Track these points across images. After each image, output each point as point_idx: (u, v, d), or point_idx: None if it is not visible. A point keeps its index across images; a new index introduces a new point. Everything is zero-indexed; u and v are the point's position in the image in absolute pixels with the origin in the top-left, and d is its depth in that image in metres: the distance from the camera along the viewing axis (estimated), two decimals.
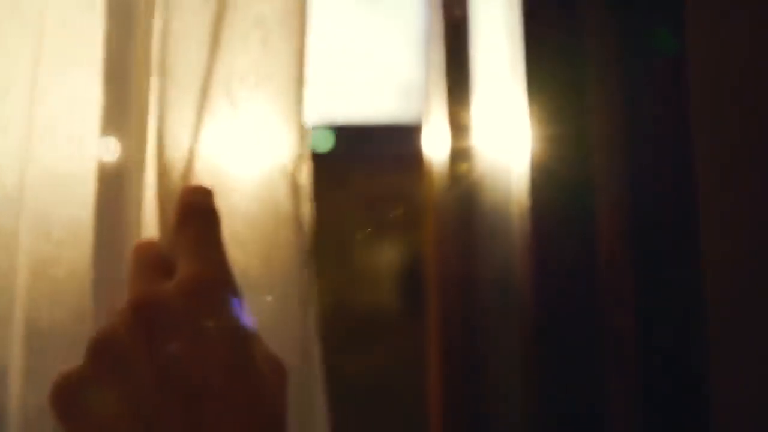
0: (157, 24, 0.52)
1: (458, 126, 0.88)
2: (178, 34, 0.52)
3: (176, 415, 0.44)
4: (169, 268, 0.50)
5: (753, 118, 0.56)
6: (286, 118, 0.57)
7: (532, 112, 0.61)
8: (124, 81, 0.53)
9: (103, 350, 0.46)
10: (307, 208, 0.58)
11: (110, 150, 0.53)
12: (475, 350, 0.86)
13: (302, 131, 0.57)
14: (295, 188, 0.57)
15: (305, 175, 0.58)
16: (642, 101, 0.57)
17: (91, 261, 0.52)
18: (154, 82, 0.52)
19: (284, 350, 0.52)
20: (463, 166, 0.86)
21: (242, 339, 0.47)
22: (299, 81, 0.57)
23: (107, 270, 0.52)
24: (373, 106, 1.70)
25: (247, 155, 0.56)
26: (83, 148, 0.53)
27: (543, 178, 0.61)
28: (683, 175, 0.57)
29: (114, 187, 0.52)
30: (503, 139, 0.73)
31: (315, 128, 1.68)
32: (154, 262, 0.51)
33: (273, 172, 0.56)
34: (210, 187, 0.53)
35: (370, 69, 1.65)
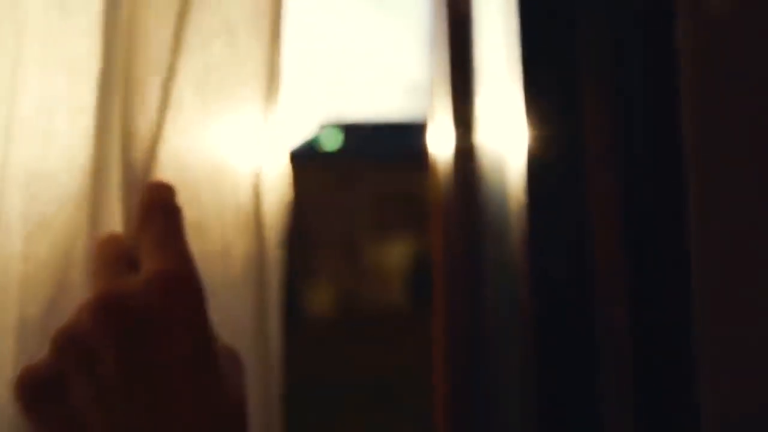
0: (124, 22, 0.52)
1: (462, 124, 0.89)
2: (143, 32, 0.52)
3: (142, 408, 0.44)
4: (133, 263, 0.50)
5: (741, 117, 0.56)
6: (253, 117, 0.58)
7: (528, 110, 0.62)
8: (102, 80, 0.53)
9: (70, 344, 0.46)
10: (275, 206, 0.58)
11: (88, 147, 0.53)
12: (481, 344, 0.86)
13: (272, 130, 0.58)
14: (257, 186, 0.57)
15: (275, 174, 0.58)
16: (634, 99, 0.57)
17: (64, 255, 0.52)
18: (119, 79, 0.52)
19: (237, 342, 0.52)
20: (467, 164, 0.87)
21: (206, 333, 0.47)
22: (270, 84, 0.58)
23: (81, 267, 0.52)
24: (381, 104, 1.71)
25: (211, 153, 0.56)
26: (56, 145, 0.53)
27: (539, 175, 0.62)
28: (674, 172, 0.57)
29: (91, 184, 0.53)
30: (502, 136, 0.73)
31: (323, 127, 1.69)
32: (118, 256, 0.50)
33: (235, 171, 0.57)
34: (171, 184, 0.53)
35: (378, 69, 1.66)
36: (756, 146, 0.56)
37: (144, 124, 0.52)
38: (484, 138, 0.85)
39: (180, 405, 0.45)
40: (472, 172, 0.85)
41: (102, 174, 0.52)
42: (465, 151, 0.86)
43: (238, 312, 0.55)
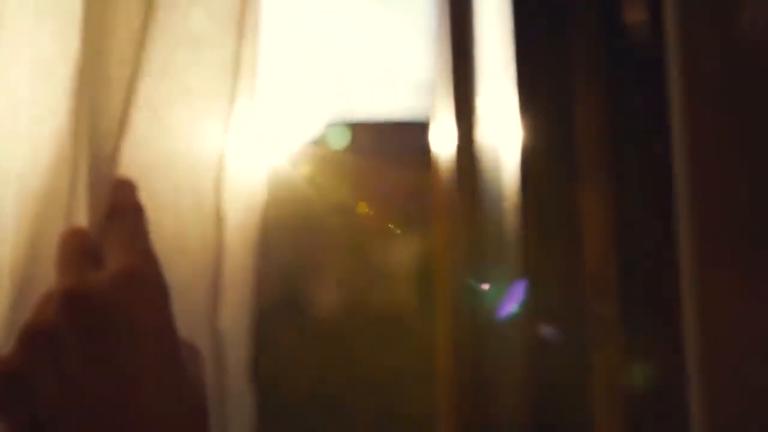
0: (93, 23, 0.53)
1: (463, 122, 0.89)
2: (110, 32, 0.53)
3: (108, 401, 0.45)
4: (97, 257, 0.51)
5: (729, 116, 0.57)
6: (218, 116, 0.58)
7: (522, 110, 0.63)
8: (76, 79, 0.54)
9: (35, 338, 0.47)
10: (242, 205, 0.59)
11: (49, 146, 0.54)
12: (484, 342, 0.87)
13: (241, 129, 0.59)
14: (218, 184, 0.58)
15: (243, 173, 0.59)
16: (625, 100, 0.58)
17: (31, 253, 0.53)
18: (87, 79, 0.53)
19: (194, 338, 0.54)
20: (469, 162, 0.88)
21: (169, 328, 0.49)
22: (236, 83, 0.58)
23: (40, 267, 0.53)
24: (389, 103, 1.71)
25: (175, 151, 0.57)
26: (22, 145, 0.54)
27: (533, 173, 0.62)
28: (664, 170, 0.58)
29: (57, 183, 0.54)
30: (499, 135, 0.74)
31: (330, 125, 1.69)
32: (82, 250, 0.51)
33: (198, 169, 0.58)
34: (134, 182, 0.54)
35: (386, 67, 1.66)
36: (745, 146, 0.56)
37: (110, 123, 0.53)
38: (484, 136, 0.85)
39: (145, 398, 0.46)
40: (473, 170, 0.85)
41: (68, 172, 0.53)
42: (466, 149, 0.87)
43: (190, 308, 0.56)
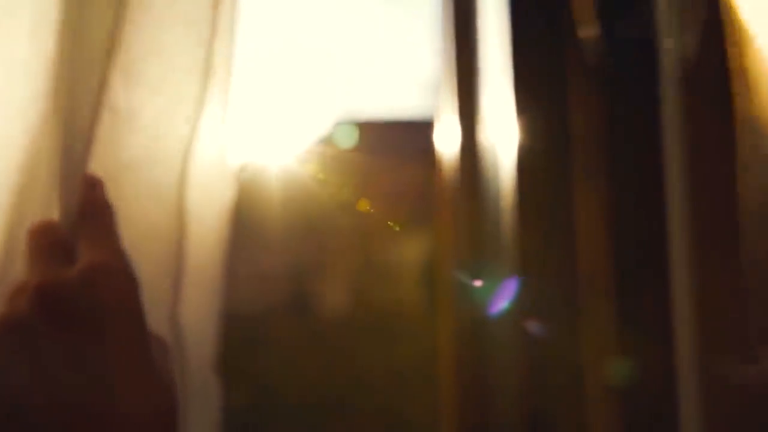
0: (65, 22, 0.54)
1: (467, 121, 0.90)
2: (82, 31, 0.54)
3: (81, 395, 0.46)
4: (67, 251, 0.52)
5: (723, 117, 0.57)
6: (186, 113, 0.59)
7: (519, 110, 0.64)
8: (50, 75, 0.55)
9: (7, 332, 0.47)
10: (209, 201, 0.60)
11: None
12: (484, 339, 0.88)
13: (211, 126, 0.60)
14: (181, 184, 0.59)
15: (212, 170, 0.60)
16: (620, 101, 0.59)
17: (3, 249, 0.54)
18: (60, 77, 0.54)
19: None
20: (472, 161, 0.88)
21: (140, 322, 0.50)
22: (207, 81, 0.59)
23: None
24: (397, 102, 1.71)
25: (143, 150, 0.58)
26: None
27: (529, 173, 0.63)
28: (658, 171, 0.59)
29: (28, 181, 0.55)
30: (499, 134, 0.75)
31: (338, 124, 1.70)
32: (53, 243, 0.52)
33: (163, 168, 0.59)
34: (102, 181, 0.55)
35: (394, 66, 1.66)
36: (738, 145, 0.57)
37: (82, 122, 0.54)
38: (487, 136, 0.86)
39: (116, 390, 0.47)
40: (475, 169, 0.86)
41: (42, 170, 0.54)
42: (469, 148, 0.88)
43: (151, 303, 0.56)
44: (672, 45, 0.58)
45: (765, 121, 0.52)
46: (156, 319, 0.55)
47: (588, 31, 0.61)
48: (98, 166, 0.56)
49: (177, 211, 0.60)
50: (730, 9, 0.50)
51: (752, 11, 0.48)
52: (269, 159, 1.34)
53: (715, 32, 0.54)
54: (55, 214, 0.54)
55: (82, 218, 0.53)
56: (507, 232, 0.69)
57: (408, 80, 1.60)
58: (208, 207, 0.61)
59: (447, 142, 0.98)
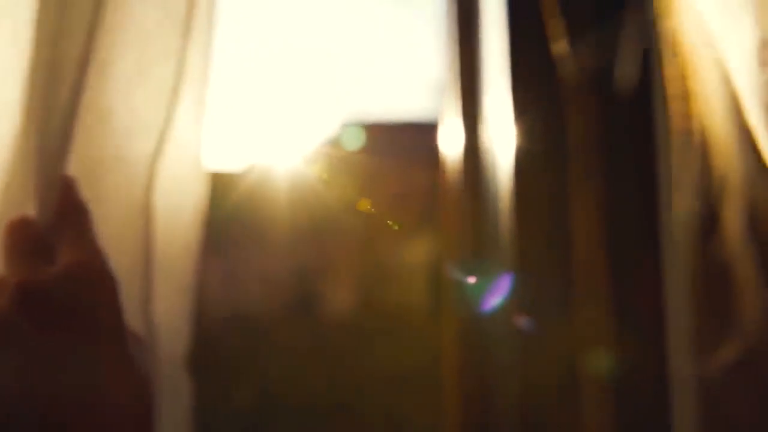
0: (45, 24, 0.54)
1: (470, 123, 0.90)
2: (59, 34, 0.55)
3: (61, 394, 0.46)
4: (46, 248, 0.52)
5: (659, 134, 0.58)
6: (156, 114, 0.60)
7: (516, 114, 0.64)
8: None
9: None
10: (177, 203, 0.61)
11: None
12: (489, 339, 0.88)
13: (184, 127, 0.60)
14: (151, 178, 0.60)
15: (183, 172, 0.61)
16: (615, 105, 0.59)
17: None
18: (39, 77, 0.55)
19: None
20: (474, 163, 0.89)
21: (119, 319, 0.51)
22: (179, 82, 0.60)
23: None
24: (404, 103, 1.72)
25: (115, 147, 0.59)
26: None
27: (525, 174, 0.64)
28: (651, 173, 0.59)
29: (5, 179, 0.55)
30: (498, 137, 0.75)
31: (345, 126, 1.70)
32: (31, 240, 0.53)
33: (135, 168, 0.60)
34: (76, 180, 0.56)
35: (402, 68, 1.67)
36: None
37: (59, 122, 0.54)
38: (489, 138, 0.86)
39: (97, 388, 0.47)
40: (477, 171, 0.86)
41: (20, 169, 0.55)
42: (473, 150, 0.88)
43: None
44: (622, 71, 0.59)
45: (699, 139, 0.53)
46: (130, 315, 0.56)
47: (560, 48, 0.62)
48: (74, 165, 0.56)
49: (145, 210, 0.60)
50: (671, 39, 0.51)
51: (694, 41, 0.49)
52: (276, 160, 1.34)
53: (657, 59, 0.55)
54: (32, 213, 0.55)
55: (60, 218, 0.53)
56: (505, 233, 0.69)
57: (416, 82, 1.61)
58: (180, 206, 0.62)
59: (451, 144, 0.98)
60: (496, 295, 0.74)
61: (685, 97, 0.50)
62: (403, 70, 1.68)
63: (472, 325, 0.91)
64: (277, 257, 1.73)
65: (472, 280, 0.85)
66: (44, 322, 0.48)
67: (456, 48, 0.94)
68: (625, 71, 0.59)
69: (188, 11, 0.60)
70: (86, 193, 0.56)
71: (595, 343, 0.61)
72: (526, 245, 0.63)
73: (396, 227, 1.61)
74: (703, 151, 0.52)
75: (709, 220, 0.54)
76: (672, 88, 0.52)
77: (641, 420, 0.60)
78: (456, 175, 0.94)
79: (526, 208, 0.63)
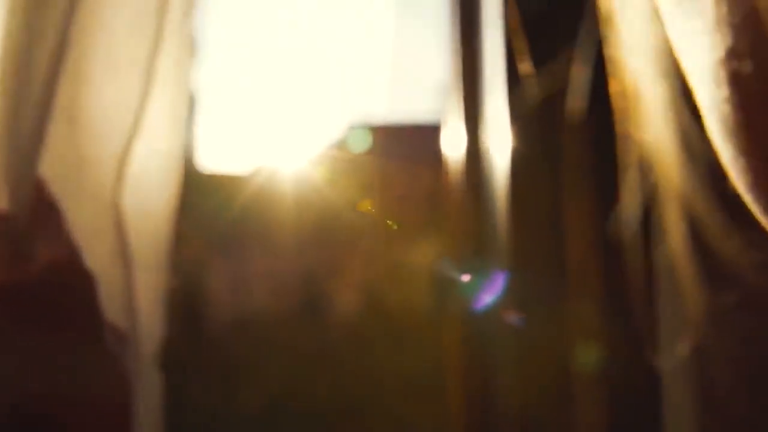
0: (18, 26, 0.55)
1: (472, 126, 0.91)
2: (31, 34, 0.55)
3: (45, 391, 0.47)
4: (20, 247, 0.52)
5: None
6: (126, 114, 0.60)
7: (512, 116, 0.65)
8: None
9: None
10: (147, 206, 0.61)
11: None
12: (491, 339, 0.88)
13: (156, 128, 0.61)
14: (119, 178, 0.60)
15: (154, 174, 0.61)
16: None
17: None
18: (11, 78, 0.55)
19: None
20: (476, 165, 0.89)
21: (99, 315, 0.51)
22: (147, 85, 0.60)
23: None
24: (410, 106, 1.72)
25: (84, 147, 0.59)
26: None
27: (520, 174, 0.64)
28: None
29: None
30: (495, 139, 0.76)
31: (352, 128, 1.71)
32: (5, 239, 0.52)
33: (105, 164, 0.60)
34: (44, 180, 0.56)
35: (408, 70, 1.67)
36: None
37: (31, 123, 0.54)
38: (488, 140, 0.87)
39: (76, 386, 0.48)
40: (480, 173, 0.87)
41: None
42: (474, 152, 0.89)
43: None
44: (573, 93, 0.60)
45: (640, 151, 0.54)
46: (110, 311, 0.56)
47: (525, 68, 0.63)
48: (45, 166, 0.57)
49: (116, 207, 0.61)
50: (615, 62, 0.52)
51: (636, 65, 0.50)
52: (282, 163, 1.35)
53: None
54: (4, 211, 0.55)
55: (34, 218, 0.53)
56: (502, 234, 0.70)
57: (423, 84, 1.61)
58: (149, 205, 0.62)
59: (453, 147, 0.98)
60: (490, 293, 0.74)
61: (628, 112, 0.51)
62: (410, 72, 1.68)
63: (473, 325, 0.91)
64: (283, 259, 1.73)
65: (466, 278, 0.86)
66: (23, 321, 0.48)
67: (458, 50, 0.94)
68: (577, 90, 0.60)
69: (160, 15, 0.60)
70: (58, 192, 0.56)
71: (589, 340, 0.61)
72: (522, 244, 0.64)
73: (399, 228, 1.61)
74: (644, 161, 0.54)
75: (654, 227, 0.55)
76: (615, 104, 0.53)
77: (635, 419, 0.60)
78: (458, 177, 0.94)
79: (521, 208, 0.64)
